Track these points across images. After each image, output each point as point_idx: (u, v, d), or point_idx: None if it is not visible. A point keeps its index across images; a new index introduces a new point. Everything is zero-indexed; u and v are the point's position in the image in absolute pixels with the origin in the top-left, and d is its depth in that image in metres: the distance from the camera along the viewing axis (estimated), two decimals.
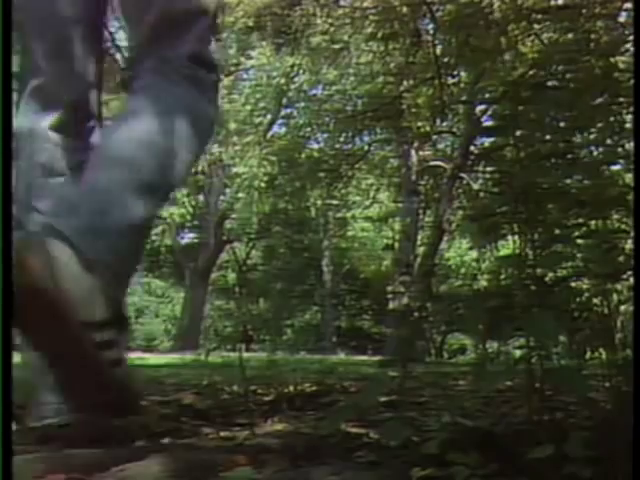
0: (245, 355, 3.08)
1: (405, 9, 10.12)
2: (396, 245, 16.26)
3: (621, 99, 1.46)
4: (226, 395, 2.73)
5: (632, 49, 1.33)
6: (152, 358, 11.16)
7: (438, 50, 10.16)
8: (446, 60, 10.26)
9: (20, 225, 1.47)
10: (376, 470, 1.30)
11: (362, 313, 25.27)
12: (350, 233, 25.16)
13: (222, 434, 1.82)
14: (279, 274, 22.99)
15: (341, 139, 14.85)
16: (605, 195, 1.36)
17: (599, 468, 1.10)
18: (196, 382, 3.61)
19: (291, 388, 2.55)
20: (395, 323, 12.66)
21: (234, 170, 16.80)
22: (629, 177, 1.35)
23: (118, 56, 21.65)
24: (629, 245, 1.33)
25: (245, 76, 17.54)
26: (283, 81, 15.36)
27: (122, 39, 22.20)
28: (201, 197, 22.03)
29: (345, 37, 12.31)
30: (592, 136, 1.49)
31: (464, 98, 11.60)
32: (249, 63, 16.43)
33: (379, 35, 10.83)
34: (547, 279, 1.39)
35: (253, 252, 25.00)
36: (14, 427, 1.69)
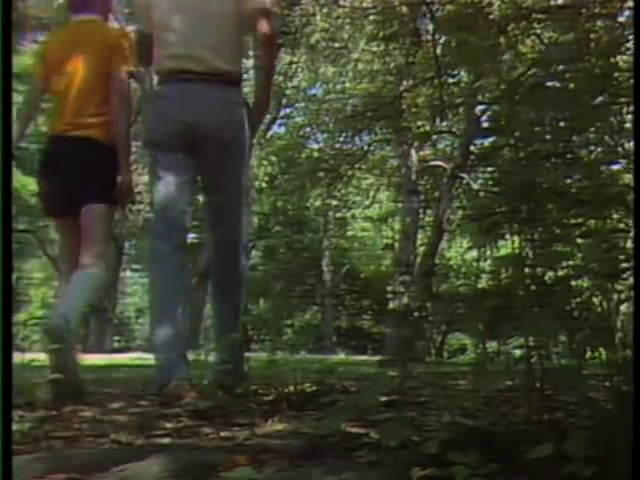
0: (245, 355, 3.08)
1: (405, 9, 10.12)
2: (396, 245, 16.25)
3: (621, 99, 1.46)
4: (226, 395, 2.73)
5: (632, 49, 1.33)
6: (152, 358, 11.12)
7: (438, 50, 10.15)
8: (446, 60, 10.25)
9: None
10: (376, 470, 1.29)
11: (362, 313, 25.24)
12: (350, 233, 25.13)
13: (222, 434, 1.82)
14: (279, 274, 22.97)
15: (341, 139, 14.84)
16: (605, 194, 1.36)
17: (599, 468, 1.10)
18: (196, 382, 3.60)
19: (291, 388, 2.55)
20: (395, 323, 12.66)
21: None
22: (629, 177, 1.35)
23: None
24: (629, 244, 1.33)
25: (245, 76, 17.56)
26: (282, 80, 15.34)
27: None
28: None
29: (345, 37, 12.31)
30: (592, 136, 1.49)
31: (463, 99, 11.61)
32: (248, 63, 16.44)
33: (379, 35, 10.82)
34: (547, 279, 1.39)
35: (253, 252, 25.00)
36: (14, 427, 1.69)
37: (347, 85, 14.60)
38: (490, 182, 1.56)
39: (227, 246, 2.81)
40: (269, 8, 2.84)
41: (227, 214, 2.81)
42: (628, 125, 1.44)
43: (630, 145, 1.40)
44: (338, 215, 22.37)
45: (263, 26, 2.75)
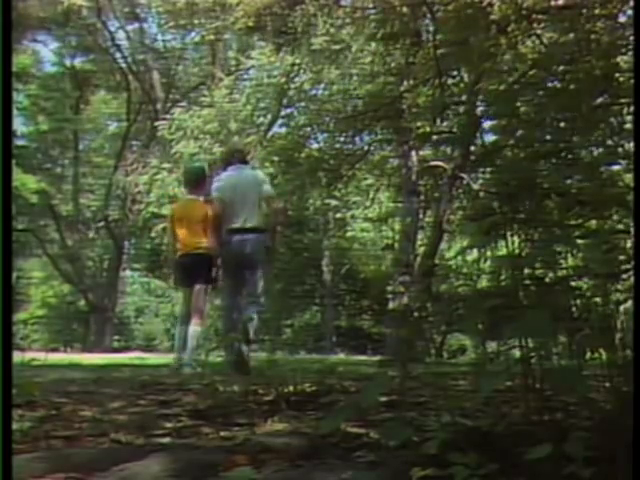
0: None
1: (405, 9, 10.11)
2: (396, 245, 16.22)
3: (621, 100, 1.46)
4: (226, 395, 2.73)
5: (632, 50, 1.33)
6: (152, 358, 11.16)
7: (438, 50, 10.13)
8: (446, 60, 10.23)
9: None
10: (376, 470, 1.30)
11: (362, 313, 25.21)
12: (350, 233, 25.11)
13: (222, 434, 1.82)
14: (279, 274, 22.96)
15: (341, 139, 14.81)
16: (605, 195, 1.36)
17: (598, 468, 1.10)
18: (196, 382, 3.60)
19: (291, 388, 2.55)
20: (395, 323, 12.64)
21: None
22: (629, 177, 1.35)
23: (118, 56, 21.59)
24: (629, 244, 1.33)
25: (246, 76, 17.52)
26: (283, 81, 15.33)
27: (122, 39, 21.89)
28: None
29: (345, 37, 12.29)
30: (592, 136, 1.49)
31: (464, 98, 11.58)
32: (249, 63, 16.42)
33: (379, 35, 10.81)
34: (547, 279, 1.39)
35: None
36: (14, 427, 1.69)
37: (348, 85, 14.58)
38: (490, 182, 1.56)
39: (254, 292, 5.52)
40: (273, 195, 5.83)
41: (258, 281, 5.57)
42: (628, 126, 1.44)
43: (630, 145, 1.40)
44: (338, 215, 22.34)
45: (272, 205, 5.71)
